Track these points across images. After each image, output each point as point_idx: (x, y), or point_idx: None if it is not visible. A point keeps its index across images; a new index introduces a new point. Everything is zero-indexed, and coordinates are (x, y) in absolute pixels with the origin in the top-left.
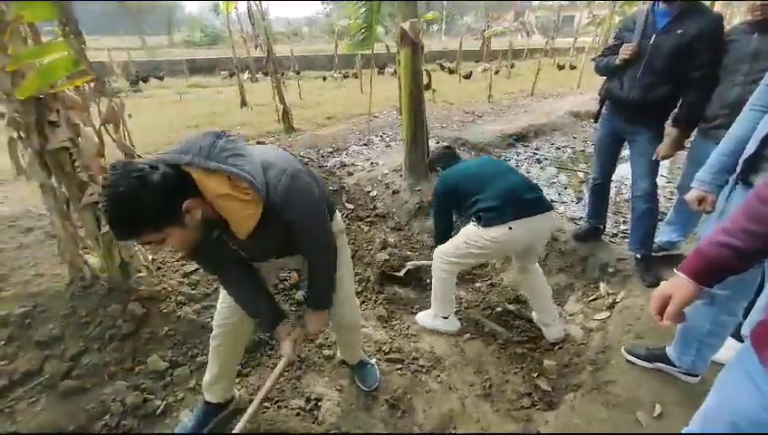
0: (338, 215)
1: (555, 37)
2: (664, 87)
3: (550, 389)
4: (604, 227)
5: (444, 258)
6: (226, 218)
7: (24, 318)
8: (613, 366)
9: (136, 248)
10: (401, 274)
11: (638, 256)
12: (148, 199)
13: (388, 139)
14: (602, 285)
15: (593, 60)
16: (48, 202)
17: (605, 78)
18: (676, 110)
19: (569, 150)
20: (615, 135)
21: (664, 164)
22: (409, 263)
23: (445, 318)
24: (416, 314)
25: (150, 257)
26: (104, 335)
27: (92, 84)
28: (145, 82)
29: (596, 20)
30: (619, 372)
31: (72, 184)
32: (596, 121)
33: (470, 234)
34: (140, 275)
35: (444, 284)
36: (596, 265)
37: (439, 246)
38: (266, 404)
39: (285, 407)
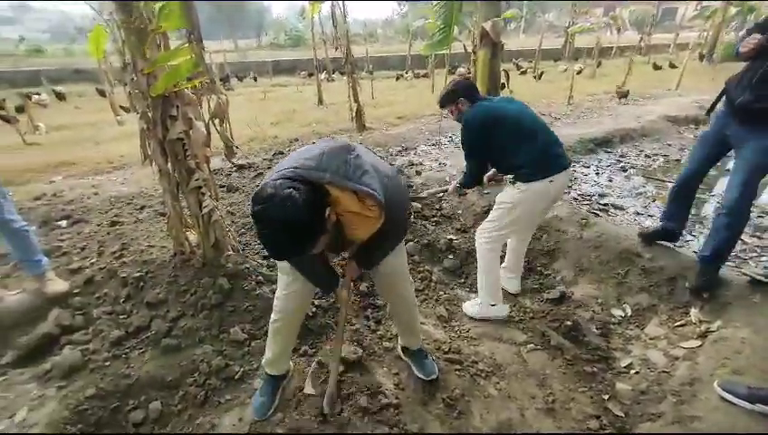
0: None
1: (652, 33)
2: None
3: (623, 414)
4: (680, 234)
5: (485, 234)
6: (346, 226)
7: (139, 281)
8: (701, 401)
9: (227, 229)
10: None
11: (703, 256)
12: (305, 221)
13: (457, 140)
14: (693, 311)
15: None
16: (163, 185)
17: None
18: None
19: (660, 159)
20: (723, 136)
21: None
22: (426, 191)
23: (493, 305)
24: (474, 318)
25: (238, 239)
26: (197, 304)
27: (205, 83)
28: (240, 80)
29: (705, 12)
30: (709, 409)
31: (182, 170)
32: (707, 114)
33: (505, 195)
34: (229, 253)
35: (490, 263)
36: (687, 287)
37: (480, 226)
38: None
39: (350, 402)
